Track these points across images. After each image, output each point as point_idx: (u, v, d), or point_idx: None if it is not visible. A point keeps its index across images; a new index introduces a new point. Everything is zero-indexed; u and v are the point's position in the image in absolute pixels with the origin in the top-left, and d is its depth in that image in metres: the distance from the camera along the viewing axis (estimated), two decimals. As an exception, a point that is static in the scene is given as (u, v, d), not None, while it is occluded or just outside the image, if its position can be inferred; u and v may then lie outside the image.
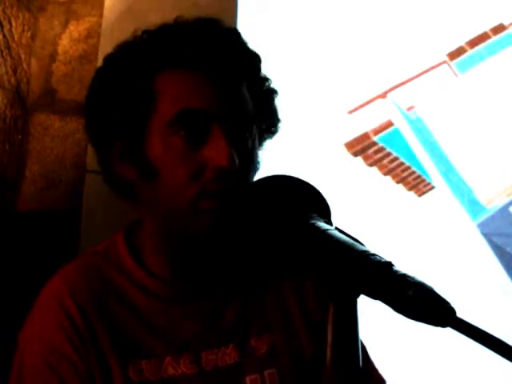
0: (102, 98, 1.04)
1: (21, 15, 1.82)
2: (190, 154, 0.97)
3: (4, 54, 1.75)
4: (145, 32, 1.06)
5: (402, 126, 2.16)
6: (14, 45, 1.79)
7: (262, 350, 1.08)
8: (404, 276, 0.68)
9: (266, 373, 1.07)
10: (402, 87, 2.17)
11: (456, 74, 2.21)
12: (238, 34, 1.05)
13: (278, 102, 1.12)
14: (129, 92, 1.00)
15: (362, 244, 0.76)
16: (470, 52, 2.22)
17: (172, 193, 0.98)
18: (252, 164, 1.03)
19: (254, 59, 1.06)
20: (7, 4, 1.76)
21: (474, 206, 2.14)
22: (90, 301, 1.02)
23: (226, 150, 0.95)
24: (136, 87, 1.00)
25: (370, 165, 2.11)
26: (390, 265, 0.70)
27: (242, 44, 1.05)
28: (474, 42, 2.23)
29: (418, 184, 2.12)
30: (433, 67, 2.20)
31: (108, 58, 1.08)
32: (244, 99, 1.02)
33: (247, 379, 1.06)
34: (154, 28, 1.06)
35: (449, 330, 0.65)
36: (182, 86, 0.99)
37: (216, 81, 0.99)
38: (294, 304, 1.13)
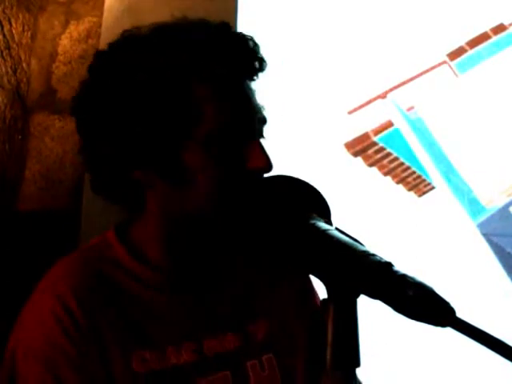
0: (126, 100, 1.00)
1: (21, 15, 1.82)
2: (226, 161, 0.99)
3: (4, 54, 1.75)
4: (160, 29, 1.03)
5: (402, 126, 2.16)
6: (14, 45, 1.79)
7: (259, 335, 1.10)
8: (404, 276, 0.68)
9: (263, 358, 1.09)
10: (402, 87, 2.17)
11: (456, 74, 2.21)
12: (252, 38, 1.07)
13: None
14: (168, 99, 0.99)
15: (362, 244, 0.76)
16: (470, 52, 2.22)
17: (204, 199, 0.99)
18: None
19: (264, 66, 1.09)
20: (7, 4, 1.76)
21: (473, 205, 2.14)
22: (89, 294, 1.01)
23: (265, 153, 1.01)
24: (177, 95, 0.99)
25: (370, 165, 2.12)
26: (390, 265, 0.70)
27: (257, 48, 1.07)
28: (474, 42, 2.23)
29: (418, 184, 2.12)
30: (433, 67, 2.20)
31: (121, 56, 1.03)
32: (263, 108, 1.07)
33: (248, 364, 1.07)
34: (171, 24, 1.04)
35: (449, 330, 0.65)
36: (220, 97, 1.00)
37: (245, 91, 1.03)
38: (291, 296, 1.15)
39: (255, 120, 1.03)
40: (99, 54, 1.08)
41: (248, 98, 1.04)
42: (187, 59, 1.00)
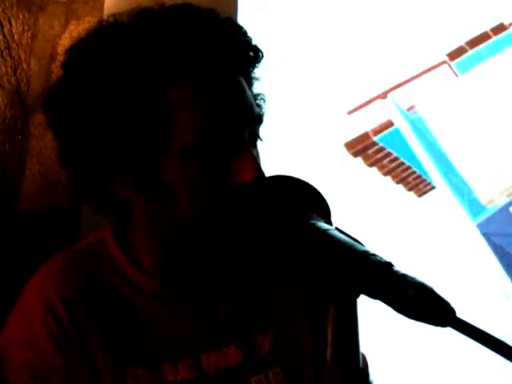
0: (100, 108, 0.92)
1: (21, 15, 1.81)
2: (211, 172, 0.93)
3: (4, 54, 1.75)
4: (139, 24, 0.95)
5: (402, 125, 2.16)
6: (14, 45, 1.79)
7: (265, 347, 1.04)
8: (404, 276, 0.68)
9: (270, 372, 1.03)
10: (402, 87, 2.17)
11: (456, 74, 2.21)
12: (239, 28, 1.00)
13: None
14: (142, 106, 0.90)
15: (361, 244, 0.75)
16: (470, 52, 2.22)
17: (186, 213, 0.94)
18: None
19: (260, 58, 1.01)
20: (7, 4, 1.76)
21: (474, 205, 2.14)
22: (79, 298, 0.96)
23: (254, 164, 0.93)
24: (150, 102, 0.90)
25: (370, 165, 2.11)
26: (390, 265, 0.70)
27: (245, 38, 0.99)
28: (474, 42, 2.23)
29: (418, 184, 2.12)
30: (433, 67, 2.20)
31: (93, 53, 0.94)
32: (255, 109, 0.98)
33: (252, 381, 1.02)
34: (150, 17, 0.96)
35: (449, 330, 0.65)
36: (199, 102, 0.92)
37: (230, 94, 0.95)
38: (293, 297, 1.10)
39: (243, 125, 0.95)
40: (71, 50, 1.00)
41: (237, 97, 0.95)
42: (170, 58, 0.91)
